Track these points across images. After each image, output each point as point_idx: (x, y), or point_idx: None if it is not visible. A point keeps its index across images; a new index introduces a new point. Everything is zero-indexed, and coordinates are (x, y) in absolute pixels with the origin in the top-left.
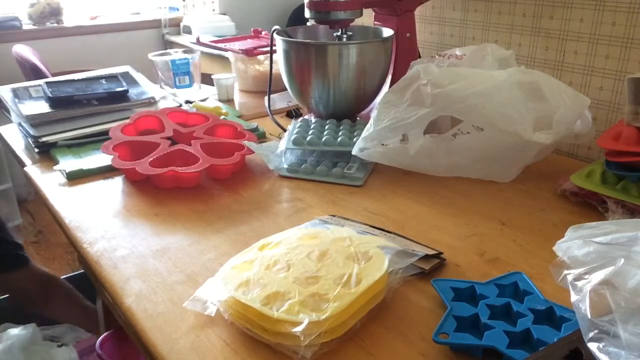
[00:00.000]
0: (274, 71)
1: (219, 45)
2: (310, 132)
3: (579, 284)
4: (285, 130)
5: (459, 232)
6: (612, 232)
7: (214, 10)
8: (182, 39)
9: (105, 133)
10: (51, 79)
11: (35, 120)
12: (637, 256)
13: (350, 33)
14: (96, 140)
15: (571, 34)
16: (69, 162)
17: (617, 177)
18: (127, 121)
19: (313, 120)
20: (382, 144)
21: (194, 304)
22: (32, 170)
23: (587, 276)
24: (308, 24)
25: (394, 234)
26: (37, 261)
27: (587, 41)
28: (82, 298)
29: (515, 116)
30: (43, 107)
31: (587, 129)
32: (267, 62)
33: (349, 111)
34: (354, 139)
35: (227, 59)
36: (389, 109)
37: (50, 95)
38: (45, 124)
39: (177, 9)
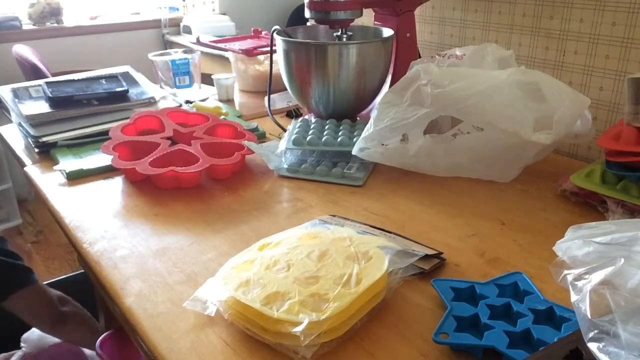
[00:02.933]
0: (274, 71)
1: (219, 45)
2: (310, 132)
3: (579, 284)
4: (285, 130)
5: (459, 232)
6: (612, 232)
7: (214, 10)
8: (182, 39)
9: (105, 133)
10: (51, 79)
11: (35, 120)
12: (637, 256)
13: (350, 33)
14: (96, 140)
15: (571, 34)
16: (69, 162)
17: (617, 177)
18: (127, 121)
19: (313, 120)
20: (382, 144)
21: (194, 304)
22: (32, 170)
23: (587, 276)
24: (308, 24)
25: (394, 234)
26: (37, 261)
27: (587, 41)
28: (95, 323)
29: (515, 116)
30: (43, 107)
31: (587, 129)
32: (267, 62)
33: (349, 111)
34: (354, 139)
35: (227, 59)
36: (389, 109)
37: (50, 95)
38: (45, 124)
39: (177, 9)
